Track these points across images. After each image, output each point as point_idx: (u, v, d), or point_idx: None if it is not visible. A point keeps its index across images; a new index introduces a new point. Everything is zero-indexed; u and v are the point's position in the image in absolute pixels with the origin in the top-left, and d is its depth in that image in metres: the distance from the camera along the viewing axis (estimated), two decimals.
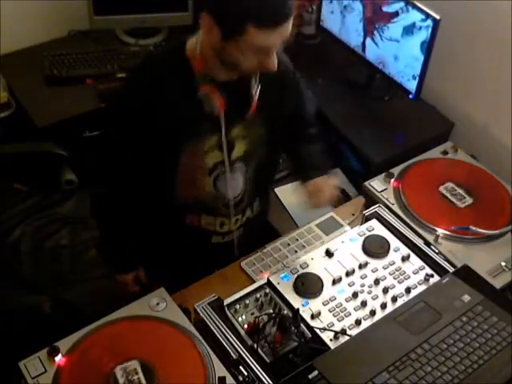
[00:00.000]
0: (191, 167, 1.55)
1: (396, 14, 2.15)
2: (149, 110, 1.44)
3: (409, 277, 1.55)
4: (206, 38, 1.37)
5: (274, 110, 1.56)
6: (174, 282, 1.61)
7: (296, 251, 1.68)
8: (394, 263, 1.58)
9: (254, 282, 1.58)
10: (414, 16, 2.08)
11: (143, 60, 1.58)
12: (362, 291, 1.50)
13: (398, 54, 2.21)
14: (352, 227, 1.72)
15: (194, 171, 1.57)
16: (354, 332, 1.41)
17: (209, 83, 1.41)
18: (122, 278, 1.78)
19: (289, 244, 1.70)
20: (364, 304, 1.47)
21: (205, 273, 1.66)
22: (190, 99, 1.42)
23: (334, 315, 1.45)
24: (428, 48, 2.08)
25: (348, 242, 1.62)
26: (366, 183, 1.82)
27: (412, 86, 2.19)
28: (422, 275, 1.55)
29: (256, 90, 1.47)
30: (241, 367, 1.33)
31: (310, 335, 1.42)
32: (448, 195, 1.77)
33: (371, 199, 1.79)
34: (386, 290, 1.50)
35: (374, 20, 2.25)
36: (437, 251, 1.61)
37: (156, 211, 1.67)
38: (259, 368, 1.32)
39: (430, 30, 2.04)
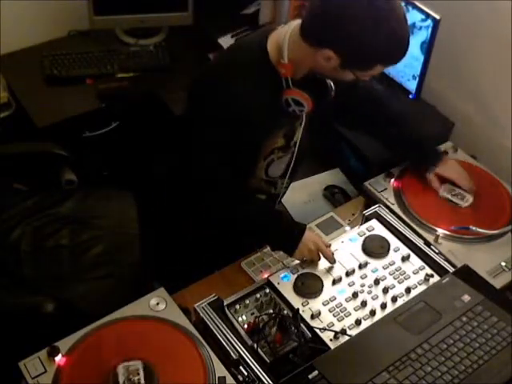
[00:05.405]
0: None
1: None
2: (244, 116, 1.47)
3: (409, 277, 1.55)
4: (313, 59, 1.41)
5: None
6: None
7: None
8: (394, 263, 1.58)
9: (254, 282, 1.58)
10: (414, 16, 2.07)
11: (228, 66, 1.53)
12: (362, 291, 1.51)
13: None
14: (352, 227, 1.72)
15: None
16: (354, 332, 1.41)
17: (297, 88, 1.47)
18: (308, 240, 1.56)
19: None
20: (364, 304, 1.47)
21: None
22: (275, 101, 1.49)
23: (333, 315, 1.45)
24: (428, 48, 2.08)
25: (348, 241, 1.62)
26: (366, 183, 1.82)
27: (412, 85, 2.19)
28: (421, 275, 1.55)
29: (331, 83, 1.54)
30: (241, 367, 1.33)
31: (310, 335, 1.42)
32: (448, 195, 1.77)
33: (371, 199, 1.79)
34: (386, 290, 1.50)
35: None
36: (437, 251, 1.61)
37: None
38: (259, 368, 1.32)
39: (429, 29, 2.04)
